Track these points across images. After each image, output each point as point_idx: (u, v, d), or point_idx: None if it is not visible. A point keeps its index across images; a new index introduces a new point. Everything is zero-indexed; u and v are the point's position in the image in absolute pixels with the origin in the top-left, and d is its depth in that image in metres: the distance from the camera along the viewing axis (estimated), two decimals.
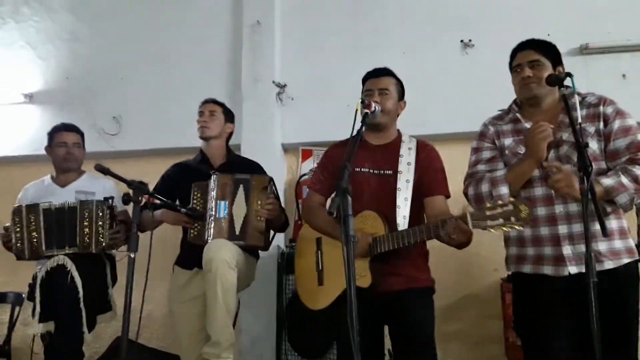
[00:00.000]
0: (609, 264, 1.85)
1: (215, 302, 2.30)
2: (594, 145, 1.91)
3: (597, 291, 1.57)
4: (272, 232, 2.65)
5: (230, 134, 2.86)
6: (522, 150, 1.99)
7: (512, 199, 1.77)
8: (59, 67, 4.05)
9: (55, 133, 2.88)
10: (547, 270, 1.91)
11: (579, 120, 1.78)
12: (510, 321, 2.48)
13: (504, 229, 1.76)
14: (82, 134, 2.95)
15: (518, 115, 2.06)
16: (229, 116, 2.85)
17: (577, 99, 1.86)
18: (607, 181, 1.81)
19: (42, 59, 4.09)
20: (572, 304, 1.82)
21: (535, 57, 2.00)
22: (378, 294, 2.01)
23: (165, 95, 3.82)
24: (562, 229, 1.89)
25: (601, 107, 1.95)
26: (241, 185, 2.55)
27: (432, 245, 2.26)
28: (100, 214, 2.60)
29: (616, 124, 1.92)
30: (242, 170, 2.68)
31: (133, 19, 3.99)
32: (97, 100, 3.92)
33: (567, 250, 1.87)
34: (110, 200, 2.60)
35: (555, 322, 1.89)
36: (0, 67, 4.09)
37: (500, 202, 1.78)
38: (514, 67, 2.06)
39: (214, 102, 2.82)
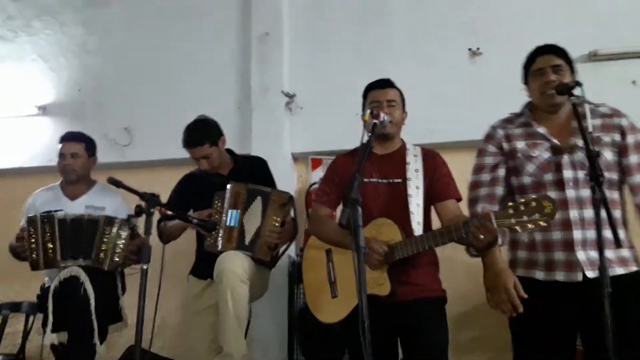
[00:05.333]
0: (620, 270, 1.85)
1: (227, 314, 2.31)
2: (609, 156, 1.92)
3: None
4: (282, 249, 2.66)
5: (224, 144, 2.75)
6: (534, 153, 1.98)
7: (534, 196, 1.76)
8: (71, 80, 4.11)
9: (59, 144, 2.87)
10: (560, 276, 1.90)
11: (590, 129, 1.78)
12: None
13: (529, 226, 1.75)
14: (87, 142, 2.89)
15: (529, 119, 2.05)
16: (214, 139, 2.66)
17: (587, 107, 1.86)
18: None
19: (54, 72, 4.15)
20: (581, 310, 1.83)
21: (557, 61, 1.98)
22: (391, 304, 2.01)
23: (175, 106, 3.85)
24: (577, 234, 1.87)
25: (616, 119, 1.96)
26: (259, 197, 2.55)
27: (443, 254, 2.26)
28: (122, 233, 2.61)
29: (631, 139, 1.95)
30: (249, 170, 2.69)
31: (143, 31, 4.04)
32: (109, 111, 3.97)
33: (581, 255, 1.86)
34: (133, 220, 2.56)
35: (558, 333, 1.90)
36: (13, 80, 4.16)
37: (523, 199, 1.78)
38: (534, 70, 2.02)
39: (200, 143, 2.61)
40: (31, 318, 3.36)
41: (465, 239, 1.89)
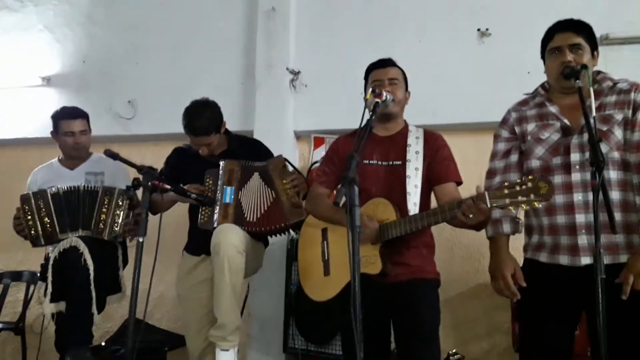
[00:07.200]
0: (624, 258, 1.80)
1: (223, 285, 2.32)
2: (619, 134, 1.85)
3: (610, 286, 1.55)
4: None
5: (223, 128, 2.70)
6: (544, 136, 1.94)
7: (530, 177, 1.72)
8: (76, 51, 4.10)
9: (60, 120, 2.83)
10: (563, 260, 1.87)
11: (594, 113, 1.73)
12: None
13: (524, 206, 1.72)
14: (87, 117, 2.90)
15: (543, 99, 1.99)
16: (218, 126, 2.60)
17: (592, 93, 1.78)
18: None
19: (59, 43, 4.14)
20: (583, 296, 1.79)
21: (576, 40, 1.88)
22: (384, 284, 2.01)
23: (179, 80, 3.83)
24: (580, 218, 1.84)
25: (632, 94, 1.86)
26: (256, 174, 2.54)
27: (443, 235, 2.25)
28: (120, 203, 2.63)
29: None
30: (241, 150, 2.66)
31: (149, 4, 4.00)
32: (113, 84, 3.97)
33: (582, 240, 1.83)
34: (132, 190, 2.56)
35: (560, 315, 1.88)
36: (19, 50, 4.16)
37: (518, 180, 1.74)
38: (551, 49, 1.93)
39: (207, 133, 2.53)
40: (31, 287, 3.42)
41: (456, 219, 1.86)
